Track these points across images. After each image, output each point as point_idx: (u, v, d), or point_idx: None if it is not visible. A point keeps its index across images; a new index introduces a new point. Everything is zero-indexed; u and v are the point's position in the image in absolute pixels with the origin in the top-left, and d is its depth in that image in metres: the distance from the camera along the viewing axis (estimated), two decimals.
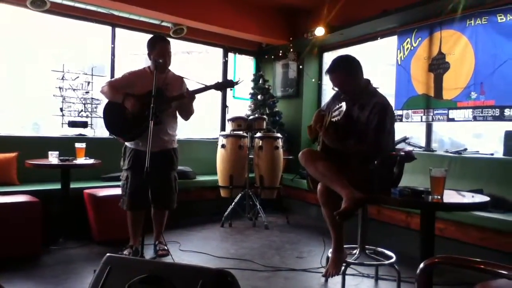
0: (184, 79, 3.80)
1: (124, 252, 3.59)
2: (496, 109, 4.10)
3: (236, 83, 3.74)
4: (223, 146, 5.22)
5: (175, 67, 3.85)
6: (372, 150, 2.87)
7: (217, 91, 3.80)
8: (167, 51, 3.67)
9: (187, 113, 3.75)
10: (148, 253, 3.73)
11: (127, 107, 3.52)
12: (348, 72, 3.04)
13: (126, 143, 3.72)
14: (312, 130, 3.14)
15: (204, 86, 3.62)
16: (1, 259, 3.39)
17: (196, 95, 3.66)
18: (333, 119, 2.86)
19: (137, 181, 3.51)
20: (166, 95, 3.56)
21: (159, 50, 3.62)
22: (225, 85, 3.79)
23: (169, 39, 3.78)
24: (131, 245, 3.66)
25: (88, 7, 5.01)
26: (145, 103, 3.38)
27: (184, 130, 3.88)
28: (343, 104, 2.92)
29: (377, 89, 3.12)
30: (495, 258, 2.95)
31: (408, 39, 4.98)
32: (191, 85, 3.75)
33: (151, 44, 3.67)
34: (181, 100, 3.63)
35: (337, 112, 2.91)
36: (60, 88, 4.97)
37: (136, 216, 3.61)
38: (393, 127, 3.03)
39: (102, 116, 3.71)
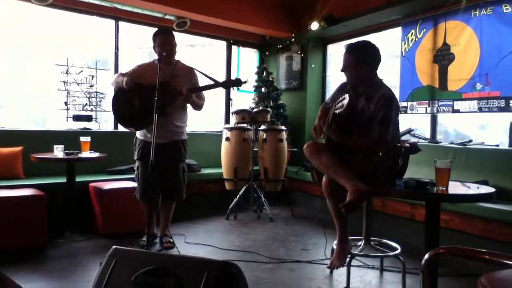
0: (194, 70, 3.82)
1: (143, 239, 3.62)
2: (502, 100, 4.07)
3: (244, 82, 3.78)
4: (227, 139, 5.22)
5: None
6: (377, 144, 2.85)
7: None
8: (168, 42, 3.67)
9: (195, 106, 3.78)
10: (154, 246, 3.77)
11: (140, 82, 3.57)
12: (361, 62, 2.98)
13: (137, 134, 3.78)
14: (316, 129, 3.12)
15: (212, 83, 3.66)
16: (8, 252, 3.42)
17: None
18: (336, 111, 2.84)
19: (146, 172, 3.56)
20: (173, 87, 3.58)
21: (159, 42, 3.66)
22: (232, 83, 3.80)
23: (172, 31, 3.79)
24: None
25: (91, 0, 5.00)
26: (154, 93, 3.40)
27: (189, 123, 3.89)
28: (346, 96, 2.87)
29: (382, 80, 3.09)
30: (499, 249, 2.93)
31: (413, 30, 4.94)
32: (201, 79, 3.80)
33: (152, 38, 3.73)
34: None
35: (340, 104, 2.89)
36: (64, 82, 4.98)
37: (148, 205, 3.64)
38: (397, 118, 3.02)
39: (111, 108, 3.75)
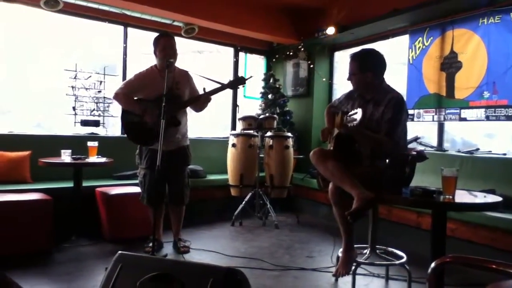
0: (189, 73, 3.83)
1: (150, 245, 3.57)
2: (509, 109, 4.05)
3: (247, 79, 3.80)
4: (233, 145, 5.23)
5: (187, 67, 3.88)
6: (385, 140, 2.83)
7: (229, 89, 3.84)
8: (170, 46, 3.67)
9: (201, 108, 3.79)
10: (167, 250, 3.84)
11: (147, 121, 3.59)
12: (364, 68, 3.00)
13: None
14: (325, 132, 3.14)
15: (219, 86, 3.64)
16: (14, 256, 3.44)
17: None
18: (349, 124, 2.79)
19: (155, 179, 3.55)
20: (180, 96, 3.59)
21: (161, 46, 3.65)
22: (237, 82, 3.77)
23: (179, 37, 3.80)
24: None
25: (101, 7, 5.05)
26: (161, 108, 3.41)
27: (195, 129, 3.91)
28: (359, 112, 2.79)
29: (390, 86, 3.09)
30: (505, 258, 2.91)
31: (420, 38, 4.94)
32: (199, 82, 3.81)
33: (154, 42, 3.73)
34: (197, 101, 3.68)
35: (352, 118, 2.82)
36: (72, 87, 5.02)
37: (156, 210, 3.63)
38: (406, 123, 3.02)
39: (124, 132, 3.82)
